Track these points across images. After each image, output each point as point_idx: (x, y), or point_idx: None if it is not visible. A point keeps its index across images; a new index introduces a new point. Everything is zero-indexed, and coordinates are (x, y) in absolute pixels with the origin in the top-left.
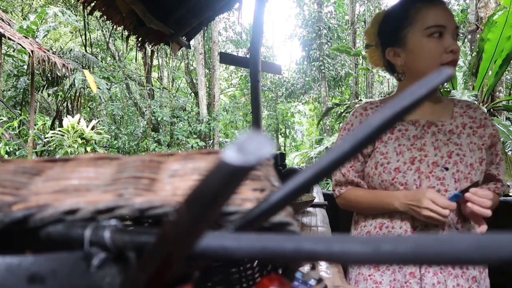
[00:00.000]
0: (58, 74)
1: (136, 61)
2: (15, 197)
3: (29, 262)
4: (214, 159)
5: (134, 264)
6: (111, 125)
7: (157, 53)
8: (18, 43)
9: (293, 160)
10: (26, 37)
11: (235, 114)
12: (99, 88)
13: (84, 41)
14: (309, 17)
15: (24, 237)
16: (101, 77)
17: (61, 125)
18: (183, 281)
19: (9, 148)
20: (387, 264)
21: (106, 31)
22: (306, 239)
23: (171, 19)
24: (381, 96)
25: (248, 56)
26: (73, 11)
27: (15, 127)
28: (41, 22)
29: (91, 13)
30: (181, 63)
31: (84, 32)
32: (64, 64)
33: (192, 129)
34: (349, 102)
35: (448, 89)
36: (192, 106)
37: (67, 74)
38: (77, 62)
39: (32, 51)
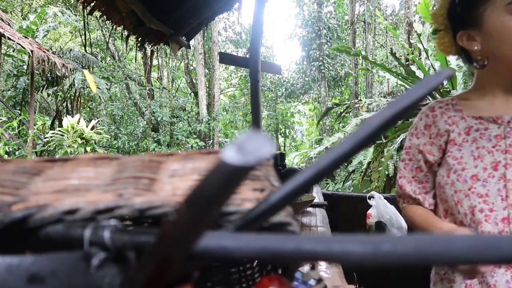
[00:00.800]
0: (58, 74)
1: (136, 61)
2: (15, 197)
3: (29, 262)
4: (214, 159)
5: (134, 264)
6: (110, 125)
7: (157, 53)
8: (17, 43)
9: (292, 160)
10: (25, 37)
11: (235, 114)
12: (98, 88)
13: (83, 41)
14: (309, 17)
15: (24, 237)
16: (100, 77)
17: (60, 125)
18: (183, 281)
19: (8, 148)
20: (387, 264)
21: (105, 31)
22: (306, 239)
23: (171, 19)
24: (381, 96)
25: (247, 56)
26: (72, 11)
27: (15, 127)
28: (41, 22)
29: (90, 13)
30: (180, 63)
31: (83, 32)
32: (63, 64)
33: (192, 129)
34: (348, 102)
35: (448, 89)
36: (191, 106)
37: (66, 74)
38: (76, 62)
39: (31, 51)
